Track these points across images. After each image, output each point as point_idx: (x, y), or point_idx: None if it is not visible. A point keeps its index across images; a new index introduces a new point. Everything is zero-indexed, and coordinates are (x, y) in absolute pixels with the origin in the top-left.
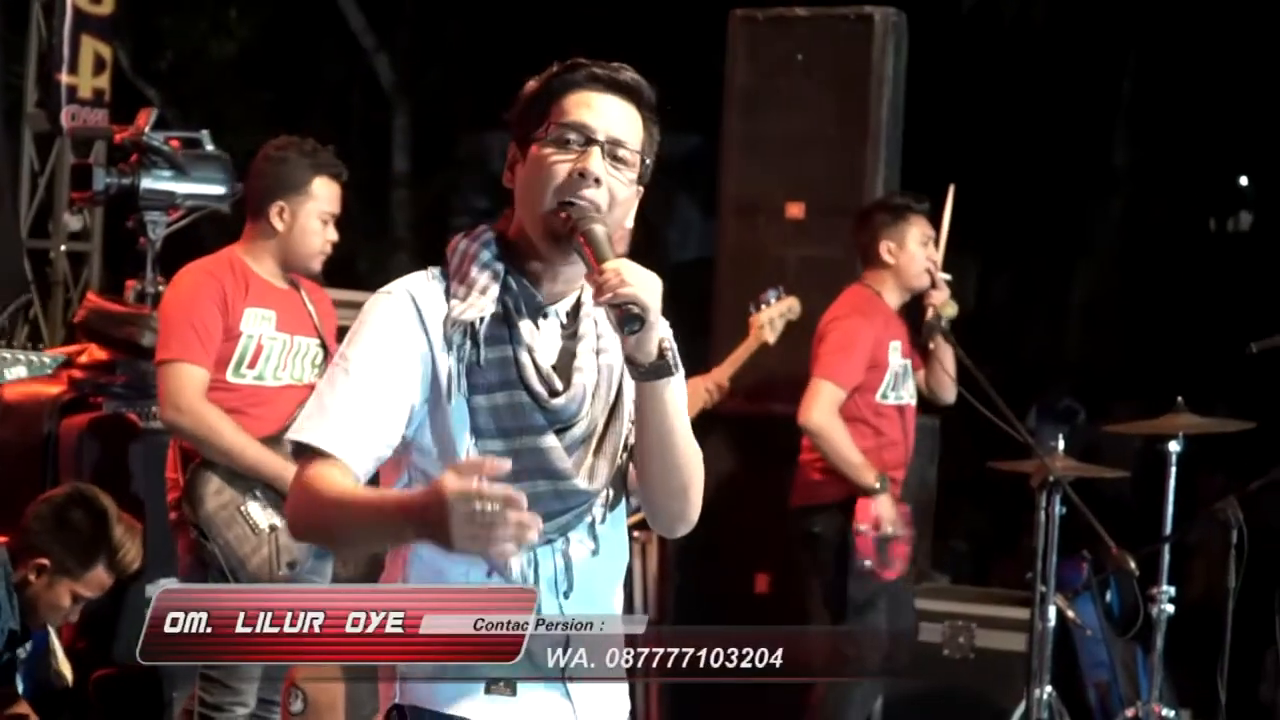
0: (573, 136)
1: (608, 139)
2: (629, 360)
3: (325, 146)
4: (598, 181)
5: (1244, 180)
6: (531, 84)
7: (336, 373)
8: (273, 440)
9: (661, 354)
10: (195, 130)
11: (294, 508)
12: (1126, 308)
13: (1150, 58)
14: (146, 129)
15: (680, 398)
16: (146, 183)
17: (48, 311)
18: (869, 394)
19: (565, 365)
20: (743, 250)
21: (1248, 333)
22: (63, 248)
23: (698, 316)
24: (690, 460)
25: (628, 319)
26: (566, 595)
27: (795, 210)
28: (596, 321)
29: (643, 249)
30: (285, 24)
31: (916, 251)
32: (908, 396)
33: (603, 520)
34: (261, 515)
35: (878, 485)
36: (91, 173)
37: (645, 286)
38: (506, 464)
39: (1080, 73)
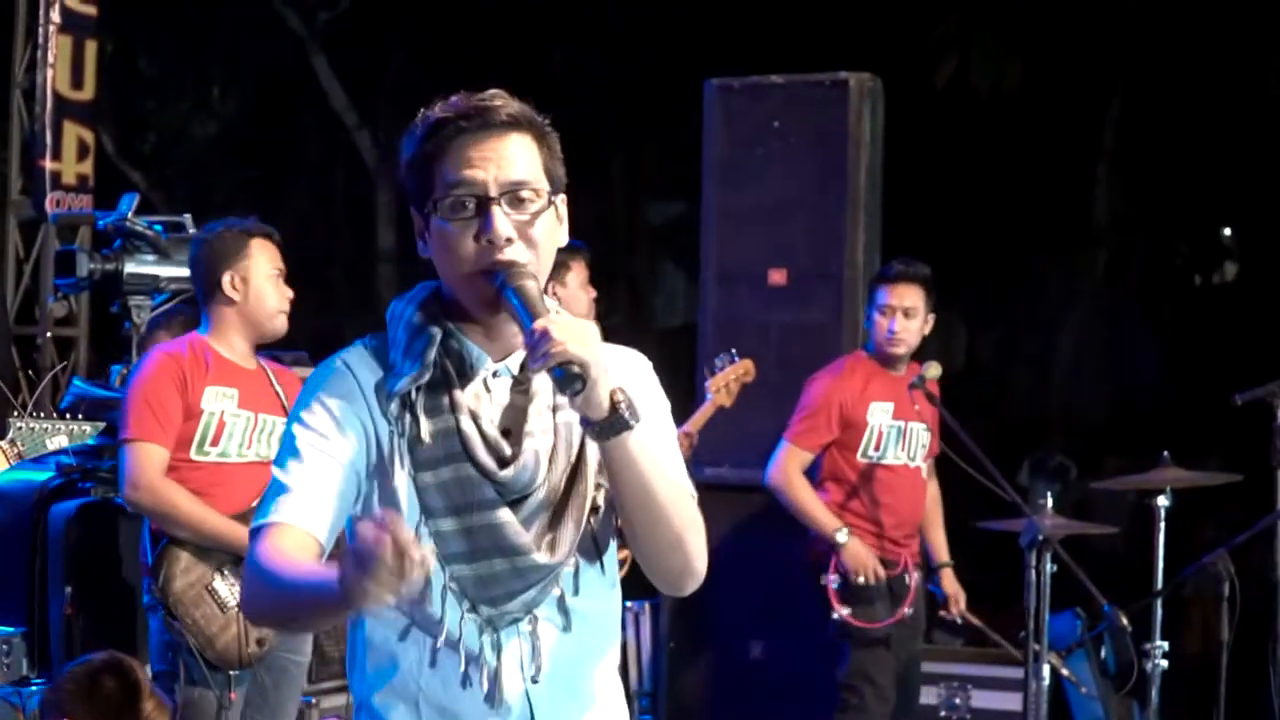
0: (465, 200)
1: (501, 188)
2: (583, 421)
3: (248, 217)
4: (509, 240)
5: (1227, 231)
6: (406, 146)
7: (285, 455)
8: (241, 518)
9: (614, 408)
10: (178, 214)
11: (248, 592)
12: (1113, 362)
13: (1131, 112)
14: (129, 214)
15: (654, 446)
16: (130, 267)
17: (35, 397)
18: (849, 452)
19: (518, 427)
20: (726, 317)
21: (1237, 384)
22: (49, 333)
23: (686, 383)
24: (678, 510)
25: (567, 380)
26: (535, 679)
27: (777, 276)
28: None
29: (629, 316)
30: (267, 103)
31: (876, 318)
32: (905, 457)
33: (575, 592)
34: (229, 593)
35: (839, 536)
36: (75, 258)
37: (577, 339)
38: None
39: (1060, 129)
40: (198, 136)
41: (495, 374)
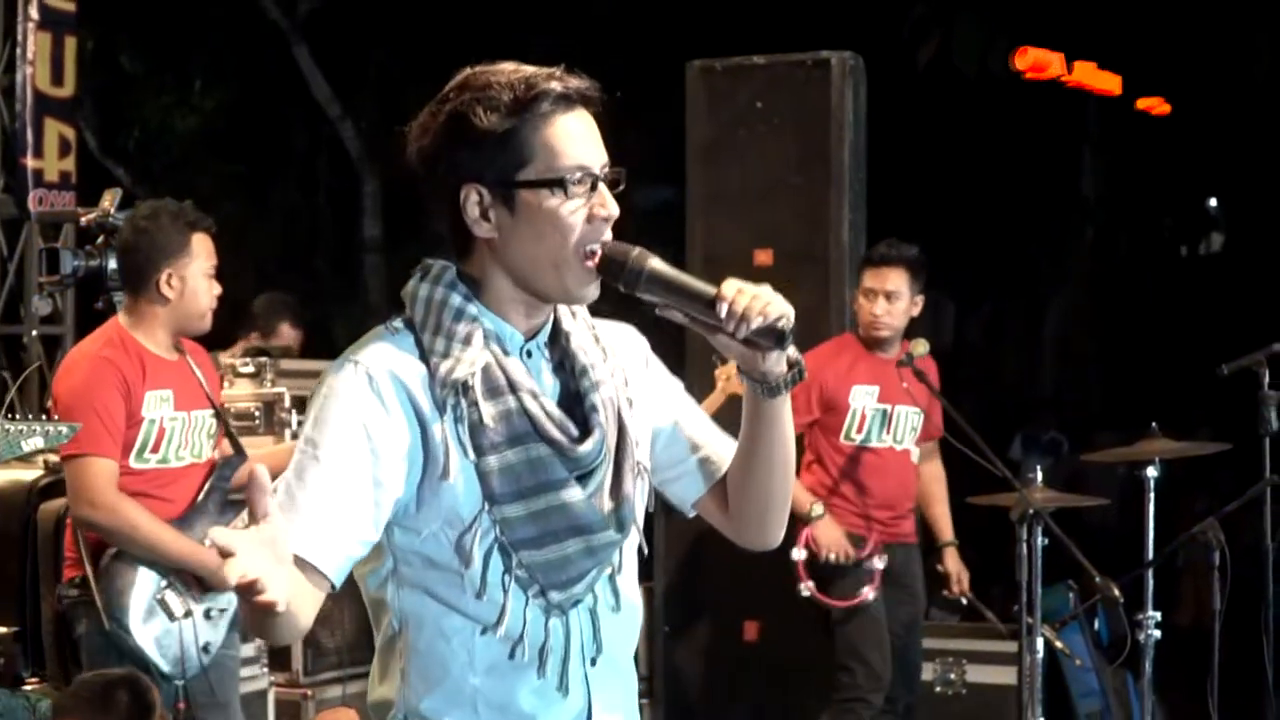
0: (583, 177)
1: (603, 168)
2: (762, 379)
3: (183, 202)
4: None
5: (1213, 202)
6: (484, 114)
7: (305, 463)
8: (180, 522)
9: (791, 364)
10: None
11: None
12: (1102, 336)
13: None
14: (112, 210)
15: (699, 413)
16: (114, 263)
17: (23, 396)
18: (832, 435)
19: (569, 405)
20: None
21: (1226, 354)
22: (35, 332)
23: (676, 367)
24: (794, 464)
25: (783, 337)
26: (594, 662)
27: (763, 257)
28: (585, 351)
29: (618, 302)
30: (250, 95)
31: (860, 301)
32: (890, 441)
33: (620, 570)
34: (178, 603)
35: (814, 511)
36: (59, 256)
37: (776, 296)
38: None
39: (1046, 106)
40: (181, 131)
41: (529, 354)
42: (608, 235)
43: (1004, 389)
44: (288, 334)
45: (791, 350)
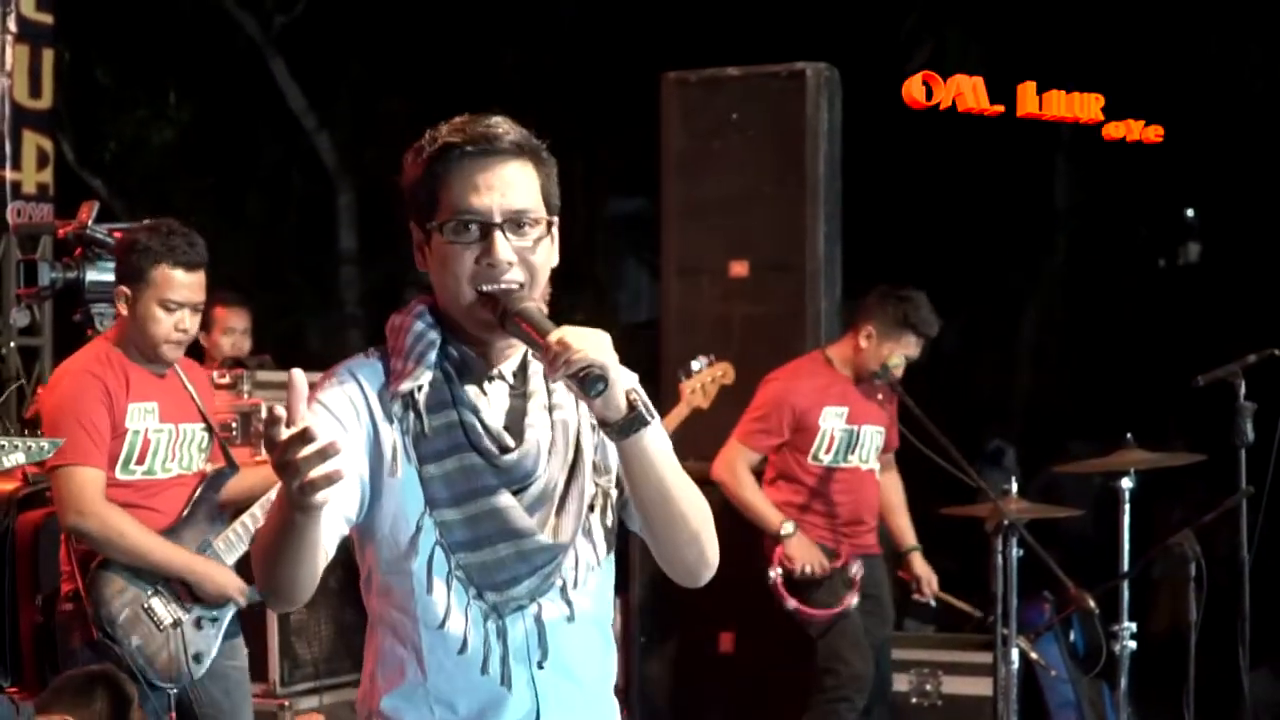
0: (470, 225)
1: (505, 216)
2: (602, 423)
3: (186, 231)
4: (510, 264)
5: (1190, 212)
6: (411, 163)
7: None
8: (169, 532)
9: (632, 406)
10: (140, 221)
11: (255, 569)
12: (1078, 347)
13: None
14: (89, 222)
15: (665, 444)
16: (91, 275)
17: (2, 407)
18: (800, 455)
19: (516, 424)
20: (687, 311)
21: (1202, 365)
22: (13, 344)
23: (651, 378)
24: (693, 504)
25: (590, 383)
26: (540, 665)
27: (738, 268)
28: (547, 378)
29: (593, 313)
30: (225, 106)
31: (885, 356)
32: (856, 461)
33: (575, 585)
34: (165, 611)
35: (784, 529)
36: (37, 268)
37: (594, 345)
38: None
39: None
40: (156, 143)
41: (490, 379)
42: (510, 277)
43: (978, 399)
44: (223, 315)
45: (635, 396)
